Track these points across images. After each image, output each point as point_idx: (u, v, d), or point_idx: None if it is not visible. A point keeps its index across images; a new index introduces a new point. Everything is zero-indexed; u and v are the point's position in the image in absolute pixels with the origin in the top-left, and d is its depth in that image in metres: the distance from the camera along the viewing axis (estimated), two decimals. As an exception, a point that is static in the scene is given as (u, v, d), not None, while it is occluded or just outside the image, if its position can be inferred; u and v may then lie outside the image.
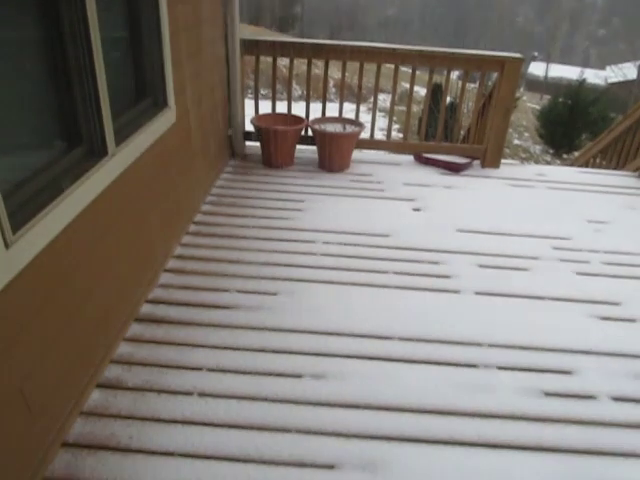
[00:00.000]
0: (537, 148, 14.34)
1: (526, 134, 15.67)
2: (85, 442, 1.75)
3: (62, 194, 1.62)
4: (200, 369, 2.04)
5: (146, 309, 2.36)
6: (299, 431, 1.80)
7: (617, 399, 2.02)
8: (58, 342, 1.68)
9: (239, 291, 2.49)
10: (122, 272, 2.16)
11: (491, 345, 2.24)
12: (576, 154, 9.98)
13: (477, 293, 2.58)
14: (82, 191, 1.72)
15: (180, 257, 2.77)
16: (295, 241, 2.98)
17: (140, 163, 2.22)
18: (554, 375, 2.11)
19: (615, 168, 4.84)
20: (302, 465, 1.69)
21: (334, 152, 3.94)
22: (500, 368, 2.12)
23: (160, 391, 1.94)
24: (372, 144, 4.35)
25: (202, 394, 1.93)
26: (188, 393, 1.93)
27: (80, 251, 1.79)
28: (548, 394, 2.02)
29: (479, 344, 2.24)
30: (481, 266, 2.83)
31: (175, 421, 1.82)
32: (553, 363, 2.17)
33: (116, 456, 1.70)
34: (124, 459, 1.69)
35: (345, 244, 2.96)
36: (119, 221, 2.11)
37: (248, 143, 4.22)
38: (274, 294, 2.48)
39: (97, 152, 1.89)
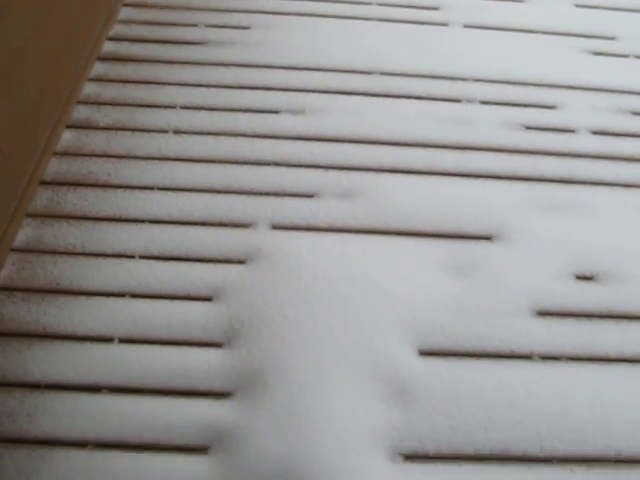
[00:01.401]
0: None
1: None
2: (63, 180, 1.74)
3: None
4: (173, 107, 1.95)
5: (108, 47, 2.17)
6: (278, 164, 1.80)
7: (596, 132, 2.02)
8: (13, 80, 1.55)
9: (208, 25, 2.28)
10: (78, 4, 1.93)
11: (476, 80, 2.15)
12: None
13: (466, 26, 2.40)
14: None
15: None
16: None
17: None
18: (537, 109, 2.07)
19: None
20: (283, 194, 1.72)
21: None
22: (483, 102, 2.07)
23: (133, 130, 1.88)
24: None
25: (177, 131, 1.88)
26: (163, 130, 1.88)
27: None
28: (529, 128, 2.00)
29: (464, 79, 2.14)
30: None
31: (152, 158, 1.80)
32: (537, 98, 2.11)
33: (96, 192, 1.71)
34: (105, 194, 1.71)
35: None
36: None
37: None
38: (247, 28, 2.28)
39: None
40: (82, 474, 1.21)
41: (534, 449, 1.31)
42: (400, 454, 1.28)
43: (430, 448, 1.30)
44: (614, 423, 1.36)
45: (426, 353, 1.44)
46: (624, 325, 1.53)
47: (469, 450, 1.30)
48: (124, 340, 1.42)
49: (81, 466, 1.22)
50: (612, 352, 1.48)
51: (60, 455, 1.24)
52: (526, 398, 1.38)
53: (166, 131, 1.88)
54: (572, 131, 2.00)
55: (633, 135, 2.01)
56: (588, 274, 1.62)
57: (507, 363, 1.44)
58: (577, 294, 1.57)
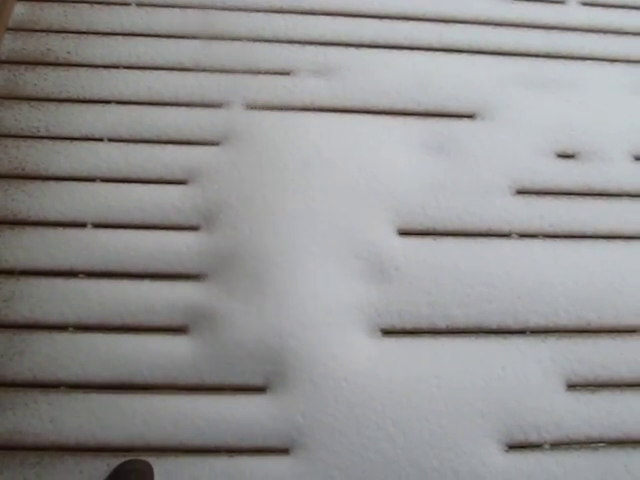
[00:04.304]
0: None
1: None
2: (19, 58, 1.61)
3: None
4: (134, -24, 1.79)
5: None
6: (251, 39, 1.68)
7: (586, 4, 1.91)
8: None
9: None
10: None
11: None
12: None
13: None
14: None
15: None
16: None
17: None
18: (525, -21, 1.95)
19: None
20: (257, 72, 1.63)
21: None
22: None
23: (93, 2, 1.72)
24: None
25: (140, 4, 1.72)
26: (125, 3, 1.72)
27: None
28: (517, -1, 1.89)
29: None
30: None
31: (114, 33, 1.67)
32: (527, -35, 1.98)
33: (57, 71, 1.60)
34: (67, 73, 1.59)
35: None
36: None
37: None
38: None
39: None
40: (65, 354, 1.23)
41: (508, 321, 1.35)
42: (379, 329, 1.31)
43: (408, 323, 1.33)
44: (586, 296, 1.40)
45: (405, 233, 1.43)
46: (602, 202, 1.53)
47: (446, 323, 1.34)
48: (98, 225, 1.38)
49: (63, 347, 1.24)
50: (588, 229, 1.49)
51: (42, 337, 1.25)
52: (502, 275, 1.40)
53: (128, 4, 1.73)
54: (561, 2, 1.90)
55: (623, 6, 1.91)
56: (569, 152, 1.60)
57: (485, 241, 1.44)
58: (557, 172, 1.55)
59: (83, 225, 1.38)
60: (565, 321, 1.37)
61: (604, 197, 1.55)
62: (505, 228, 1.46)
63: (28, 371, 1.23)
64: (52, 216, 1.39)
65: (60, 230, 1.37)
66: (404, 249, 1.40)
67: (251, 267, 1.33)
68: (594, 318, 1.38)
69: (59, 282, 1.31)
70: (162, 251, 1.35)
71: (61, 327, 1.27)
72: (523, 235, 1.47)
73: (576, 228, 1.49)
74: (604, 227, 1.50)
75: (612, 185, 1.56)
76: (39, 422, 1.19)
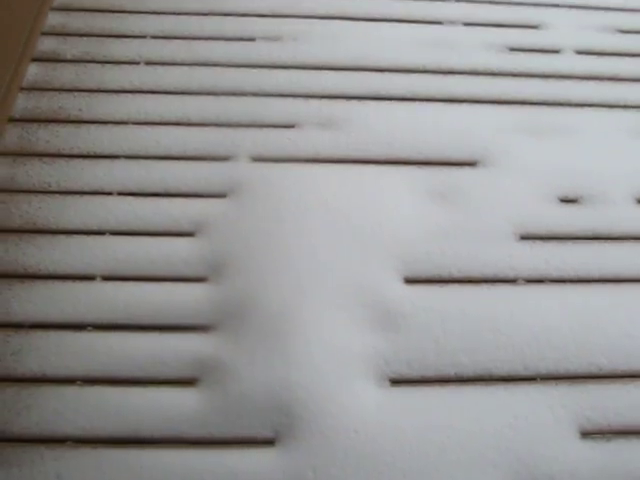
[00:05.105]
0: None
1: None
2: (33, 116, 1.67)
3: None
4: (143, 37, 1.86)
5: (70, -27, 2.04)
6: (256, 94, 1.74)
7: (581, 52, 1.97)
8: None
9: (176, -52, 2.15)
10: None
11: (458, 0, 2.07)
12: None
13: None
14: None
15: None
16: None
17: None
18: (520, 30, 2.01)
19: None
20: (262, 125, 1.67)
21: None
22: (466, 24, 2.00)
23: (103, 62, 1.80)
24: None
25: (149, 62, 1.80)
26: (134, 62, 1.80)
27: None
28: (513, 49, 1.94)
29: (445, -1, 2.07)
30: None
31: (124, 91, 1.73)
32: (521, 17, 2.05)
33: (69, 128, 1.65)
34: (78, 130, 1.64)
35: None
36: None
37: None
38: (217, -49, 2.15)
39: None
40: (72, 408, 1.22)
41: (517, 369, 1.34)
42: (387, 379, 1.31)
43: (416, 372, 1.32)
44: (596, 341, 1.39)
45: (411, 280, 1.44)
46: (607, 246, 1.54)
47: (454, 371, 1.33)
48: (107, 278, 1.40)
49: (71, 401, 1.23)
50: (595, 273, 1.49)
51: (49, 392, 1.25)
52: (510, 321, 1.40)
53: (137, 62, 1.80)
54: (557, 51, 1.96)
55: (618, 54, 1.97)
56: (572, 197, 1.62)
57: (491, 287, 1.45)
58: (561, 217, 1.57)
59: (92, 278, 1.40)
60: (575, 367, 1.36)
61: (609, 240, 1.55)
62: (511, 274, 1.47)
63: (35, 426, 1.22)
64: (62, 269, 1.41)
65: (69, 283, 1.39)
66: (410, 297, 1.40)
67: (259, 318, 1.34)
68: (605, 363, 1.37)
69: (68, 335, 1.32)
70: (170, 303, 1.36)
71: (69, 381, 1.27)
72: (529, 280, 1.47)
73: (582, 272, 1.49)
74: (611, 270, 1.50)
75: (616, 228, 1.57)
76: (45, 479, 1.18)
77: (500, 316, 1.40)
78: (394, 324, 1.36)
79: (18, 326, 1.33)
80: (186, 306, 1.36)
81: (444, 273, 1.46)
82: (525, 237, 1.53)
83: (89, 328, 1.33)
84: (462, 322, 1.39)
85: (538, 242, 1.52)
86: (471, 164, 1.65)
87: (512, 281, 1.46)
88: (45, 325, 1.33)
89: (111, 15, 1.92)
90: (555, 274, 1.48)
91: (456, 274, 1.46)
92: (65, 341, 1.31)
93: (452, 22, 2.00)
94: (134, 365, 1.28)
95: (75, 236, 1.46)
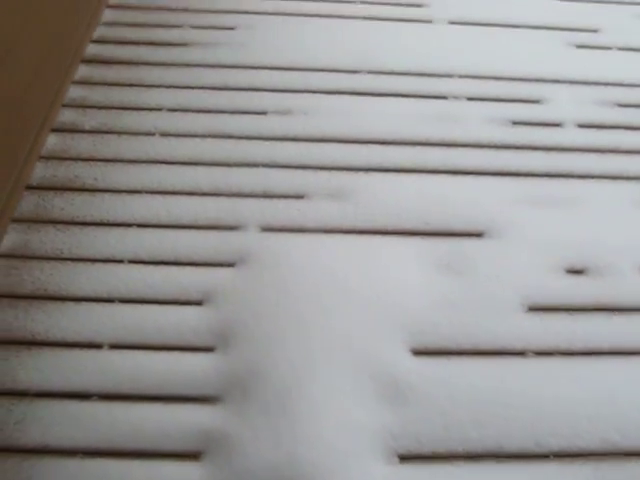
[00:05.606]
0: None
1: None
2: (49, 184, 1.72)
3: None
4: (159, 109, 1.93)
5: (92, 50, 2.15)
6: (266, 165, 1.79)
7: (582, 126, 2.03)
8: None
9: (193, 26, 2.26)
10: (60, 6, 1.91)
11: (462, 76, 2.15)
12: None
13: (451, 22, 2.40)
14: None
15: (122, -9, 2.45)
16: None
17: None
18: (523, 104, 2.07)
19: None
20: (272, 196, 1.71)
21: None
22: (470, 99, 2.07)
23: (120, 133, 1.86)
24: None
25: (164, 134, 1.86)
26: (149, 133, 1.86)
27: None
28: (516, 123, 2.00)
29: (450, 75, 2.14)
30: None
31: (139, 161, 1.78)
32: (523, 92, 2.12)
33: (84, 196, 1.69)
34: (92, 198, 1.69)
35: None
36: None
37: None
38: (232, 28, 2.26)
39: None
40: (74, 483, 1.20)
41: (529, 445, 1.31)
42: (396, 455, 1.28)
43: (424, 447, 1.29)
44: (609, 417, 1.36)
45: (419, 352, 1.43)
46: (616, 318, 1.53)
47: (463, 447, 1.30)
48: (114, 346, 1.40)
49: (72, 474, 1.21)
50: (605, 345, 1.48)
51: (51, 463, 1.22)
52: (520, 394, 1.38)
53: (153, 134, 1.86)
54: (558, 125, 2.01)
55: (618, 127, 2.03)
56: (579, 268, 1.62)
57: (500, 359, 1.43)
58: (568, 288, 1.57)
59: (99, 346, 1.40)
60: (588, 442, 1.33)
61: (618, 312, 1.55)
62: (519, 346, 1.46)
63: (35, 499, 1.19)
64: (69, 337, 1.41)
65: (76, 351, 1.39)
66: (418, 369, 1.39)
67: (266, 390, 1.32)
68: (618, 439, 1.33)
69: (72, 404, 1.31)
70: (177, 373, 1.35)
71: (71, 452, 1.25)
72: (539, 353, 1.45)
73: (592, 345, 1.48)
74: (621, 343, 1.49)
75: (625, 299, 1.57)
76: None
77: (509, 389, 1.38)
78: (402, 397, 1.34)
79: (22, 394, 1.32)
80: (193, 377, 1.35)
81: (452, 345, 1.45)
82: (533, 308, 1.53)
83: (94, 397, 1.32)
84: (470, 394, 1.37)
85: (547, 313, 1.52)
86: (477, 235, 1.67)
87: (521, 353, 1.45)
88: (50, 394, 1.32)
89: (129, 88, 2.01)
90: (564, 346, 1.47)
91: (463, 345, 1.45)
92: (69, 411, 1.29)
93: (456, 97, 2.07)
94: (138, 437, 1.26)
95: (84, 303, 1.47)
